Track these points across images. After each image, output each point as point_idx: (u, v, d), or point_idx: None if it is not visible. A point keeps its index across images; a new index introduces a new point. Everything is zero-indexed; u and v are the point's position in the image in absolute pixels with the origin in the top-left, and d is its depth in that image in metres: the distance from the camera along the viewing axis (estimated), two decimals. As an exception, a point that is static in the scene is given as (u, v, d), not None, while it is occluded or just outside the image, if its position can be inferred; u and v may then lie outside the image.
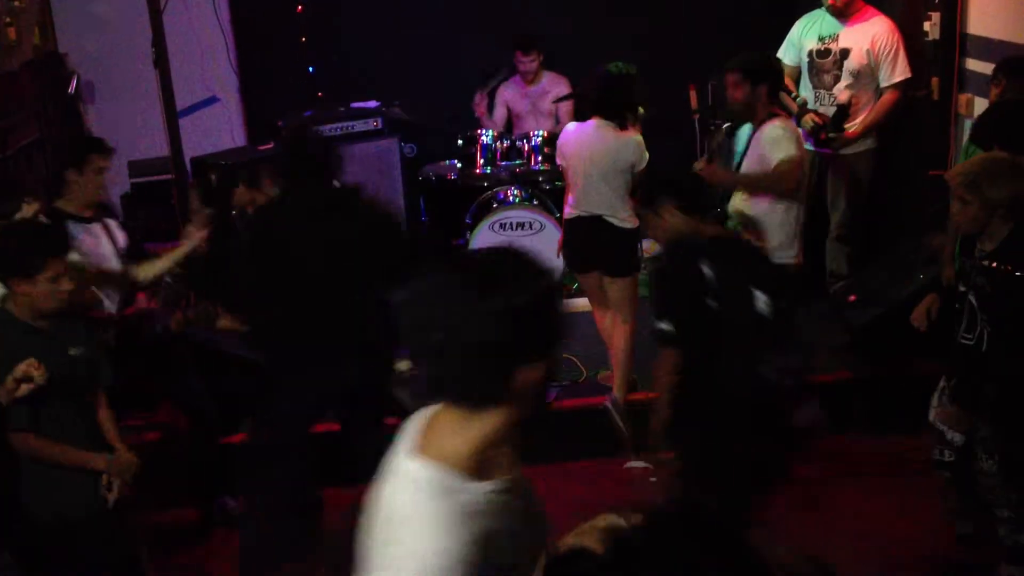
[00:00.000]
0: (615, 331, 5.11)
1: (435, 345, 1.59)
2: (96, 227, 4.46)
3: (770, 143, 4.64)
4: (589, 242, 5.10)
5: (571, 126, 5.17)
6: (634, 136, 4.95)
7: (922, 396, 4.15)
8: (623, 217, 4.98)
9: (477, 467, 1.65)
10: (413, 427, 1.72)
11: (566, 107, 7.16)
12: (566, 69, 7.14)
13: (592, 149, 4.97)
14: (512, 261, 1.65)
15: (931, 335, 4.24)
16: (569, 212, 5.16)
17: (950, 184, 3.74)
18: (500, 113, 7.29)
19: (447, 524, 1.58)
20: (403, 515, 1.61)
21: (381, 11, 7.22)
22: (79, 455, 3.47)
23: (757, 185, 4.70)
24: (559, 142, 5.23)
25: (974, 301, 3.72)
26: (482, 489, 1.64)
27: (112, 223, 4.58)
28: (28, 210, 4.04)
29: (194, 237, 4.57)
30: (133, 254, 4.58)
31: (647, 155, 4.93)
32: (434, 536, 1.57)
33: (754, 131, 4.75)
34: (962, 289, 3.79)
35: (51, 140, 6.44)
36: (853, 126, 5.70)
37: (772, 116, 4.71)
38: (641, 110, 5.09)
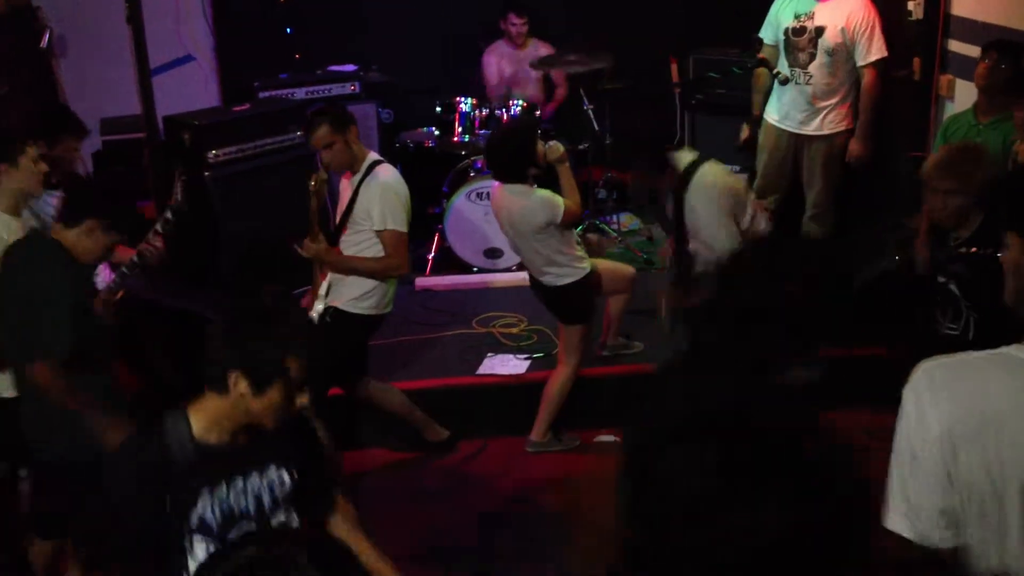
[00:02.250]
0: (552, 374, 4.91)
1: None
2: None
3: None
4: (539, 297, 4.93)
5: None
6: (536, 195, 4.57)
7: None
8: (561, 272, 4.69)
9: None
10: None
11: (556, 73, 7.12)
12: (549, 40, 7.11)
13: (503, 215, 4.73)
14: None
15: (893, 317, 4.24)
16: None
17: (929, 179, 3.66)
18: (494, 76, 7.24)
19: None
20: None
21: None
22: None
23: None
24: None
25: (955, 290, 3.69)
26: None
27: None
28: (32, 152, 3.93)
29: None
30: None
31: (560, 205, 4.52)
32: None
33: None
34: (941, 280, 3.75)
35: (22, 94, 6.31)
36: (830, 107, 5.64)
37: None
38: (556, 148, 4.63)
